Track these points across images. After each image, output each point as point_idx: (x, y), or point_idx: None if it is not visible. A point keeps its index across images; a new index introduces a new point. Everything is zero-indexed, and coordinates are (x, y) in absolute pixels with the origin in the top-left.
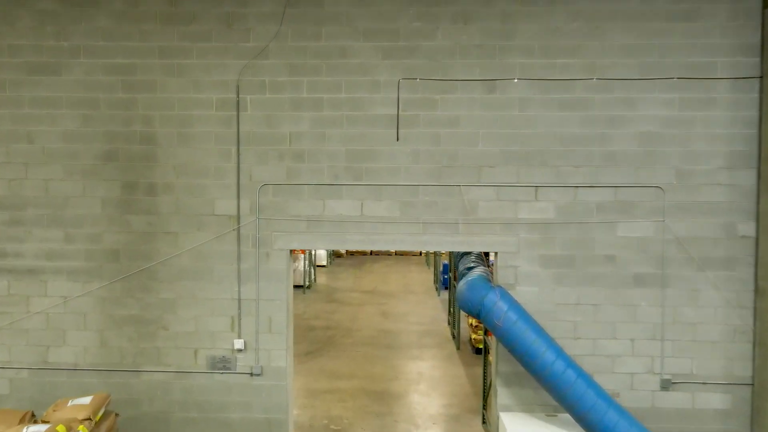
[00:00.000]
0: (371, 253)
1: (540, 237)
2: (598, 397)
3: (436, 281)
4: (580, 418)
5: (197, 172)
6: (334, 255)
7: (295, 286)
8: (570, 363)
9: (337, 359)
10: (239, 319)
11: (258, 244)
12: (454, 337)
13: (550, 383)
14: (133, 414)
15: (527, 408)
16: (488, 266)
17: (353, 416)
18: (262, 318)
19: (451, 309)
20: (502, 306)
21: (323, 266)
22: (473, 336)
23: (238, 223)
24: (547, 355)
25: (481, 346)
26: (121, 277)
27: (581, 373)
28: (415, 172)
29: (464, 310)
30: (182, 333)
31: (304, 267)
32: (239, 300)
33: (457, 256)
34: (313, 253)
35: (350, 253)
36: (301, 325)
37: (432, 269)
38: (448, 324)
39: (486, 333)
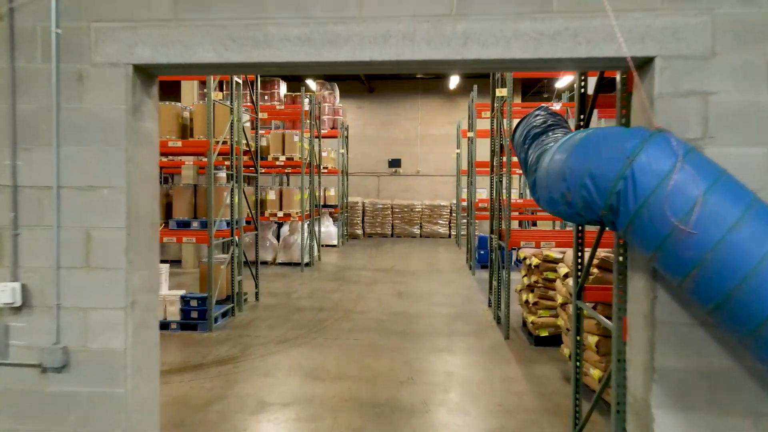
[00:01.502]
0: (392, 234)
1: None
2: None
3: (469, 259)
4: None
5: None
6: (348, 236)
7: (293, 264)
8: None
9: (323, 350)
10: (13, 237)
11: (57, 51)
12: (498, 321)
13: None
14: None
15: None
16: None
17: None
18: (69, 233)
19: (493, 283)
20: (693, 181)
21: (333, 246)
22: (531, 319)
23: (10, 1)
24: None
25: (545, 334)
26: None
27: None
28: None
29: (555, 206)
30: None
31: (302, 240)
32: (14, 188)
33: (524, 137)
34: (317, 228)
35: (368, 235)
36: (285, 305)
37: (464, 249)
38: (489, 306)
39: (579, 294)
